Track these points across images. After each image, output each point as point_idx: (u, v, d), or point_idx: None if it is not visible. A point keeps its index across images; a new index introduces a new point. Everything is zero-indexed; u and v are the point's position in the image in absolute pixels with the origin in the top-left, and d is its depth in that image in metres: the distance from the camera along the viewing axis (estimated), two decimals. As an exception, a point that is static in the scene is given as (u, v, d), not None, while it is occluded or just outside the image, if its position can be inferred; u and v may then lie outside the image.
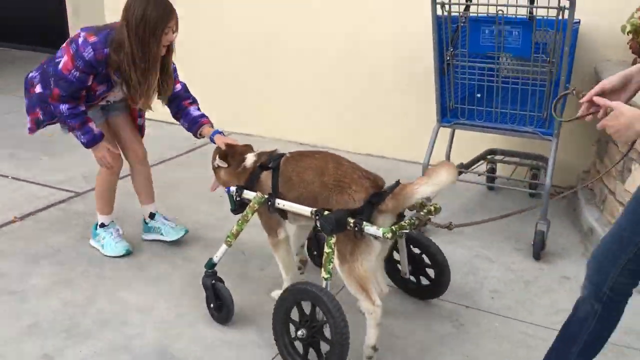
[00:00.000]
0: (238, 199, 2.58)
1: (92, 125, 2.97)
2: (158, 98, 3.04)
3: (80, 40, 2.79)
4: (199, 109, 3.13)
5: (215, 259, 2.66)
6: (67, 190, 4.04)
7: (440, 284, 2.73)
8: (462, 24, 3.22)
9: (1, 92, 6.64)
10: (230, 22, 4.99)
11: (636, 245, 1.77)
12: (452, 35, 3.23)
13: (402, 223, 2.30)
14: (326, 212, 2.29)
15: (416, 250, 2.74)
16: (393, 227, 2.24)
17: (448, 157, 3.79)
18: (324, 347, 2.28)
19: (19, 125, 4.60)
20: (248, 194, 2.56)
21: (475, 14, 3.18)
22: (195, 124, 3.06)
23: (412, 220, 2.32)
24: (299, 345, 2.35)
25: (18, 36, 8.50)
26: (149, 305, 2.83)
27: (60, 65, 2.81)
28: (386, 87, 4.52)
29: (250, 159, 2.68)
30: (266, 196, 2.49)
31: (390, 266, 2.83)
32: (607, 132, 1.72)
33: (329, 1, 4.60)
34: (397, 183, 2.32)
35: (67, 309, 2.79)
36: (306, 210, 2.37)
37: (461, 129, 3.48)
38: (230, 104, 5.06)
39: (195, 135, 3.09)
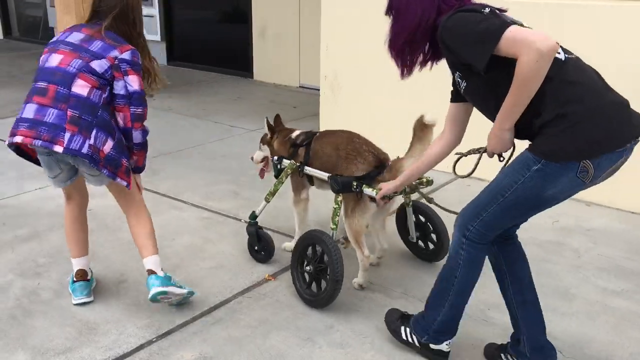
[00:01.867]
0: (279, 166, 3.19)
1: None
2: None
3: (127, 55, 2.55)
4: None
5: (257, 212, 3.28)
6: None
7: (442, 248, 3.18)
8: None
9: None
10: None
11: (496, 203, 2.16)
12: None
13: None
14: (338, 177, 2.86)
15: (422, 219, 3.27)
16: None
17: None
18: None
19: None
20: (285, 162, 3.17)
21: None
22: None
23: (404, 189, 2.86)
24: (307, 277, 2.92)
25: (204, 59, 9.03)
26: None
27: (137, 85, 2.55)
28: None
29: (295, 133, 3.28)
30: (297, 164, 3.10)
31: (404, 235, 3.39)
32: (492, 151, 2.19)
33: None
34: (397, 158, 2.88)
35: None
36: (324, 175, 2.97)
37: None
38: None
39: None
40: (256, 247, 3.32)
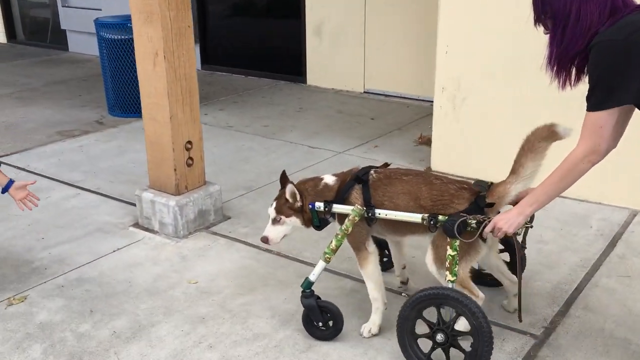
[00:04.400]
0: (327, 213, 2.58)
1: None
2: None
3: None
4: None
5: (313, 278, 2.57)
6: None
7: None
8: None
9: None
10: None
11: None
12: None
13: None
14: (440, 217, 2.36)
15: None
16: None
17: None
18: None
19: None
20: (340, 208, 2.54)
21: None
22: None
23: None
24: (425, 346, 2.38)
25: (246, 62, 7.99)
26: None
27: None
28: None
29: (329, 178, 2.66)
30: (364, 208, 2.49)
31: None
32: (500, 228, 2.20)
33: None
34: (490, 183, 2.42)
35: None
36: (416, 217, 2.41)
37: None
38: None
39: None
40: (320, 324, 2.61)
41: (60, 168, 4.72)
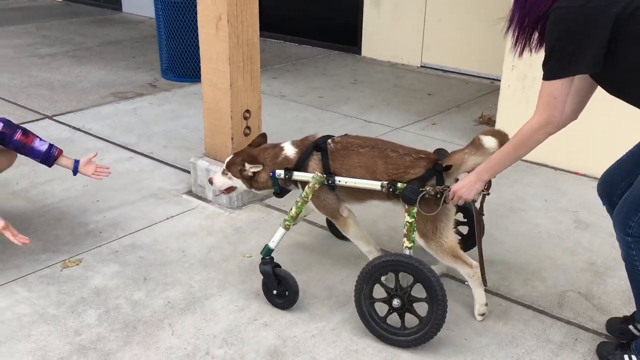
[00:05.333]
0: (288, 181, 2.61)
1: None
2: None
3: None
4: (40, 139, 2.94)
5: (272, 245, 2.59)
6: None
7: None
8: None
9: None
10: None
11: None
12: None
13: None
14: (399, 184, 2.38)
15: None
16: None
17: None
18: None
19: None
20: (301, 175, 2.56)
21: None
22: (49, 158, 2.95)
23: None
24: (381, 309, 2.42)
25: (300, 30, 7.86)
26: None
27: None
28: None
29: (289, 148, 2.67)
30: (324, 175, 2.50)
31: None
32: (460, 195, 2.26)
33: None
34: (443, 151, 2.49)
35: None
36: (375, 184, 2.43)
37: None
38: None
39: (50, 166, 2.98)
40: (275, 291, 2.61)
41: (114, 130, 4.69)
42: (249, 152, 2.73)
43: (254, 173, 2.67)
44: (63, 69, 6.37)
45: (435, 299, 2.25)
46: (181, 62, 5.97)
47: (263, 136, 2.85)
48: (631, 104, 2.03)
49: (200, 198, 3.62)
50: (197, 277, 2.85)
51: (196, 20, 5.94)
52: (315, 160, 2.56)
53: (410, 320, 2.37)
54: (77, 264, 2.92)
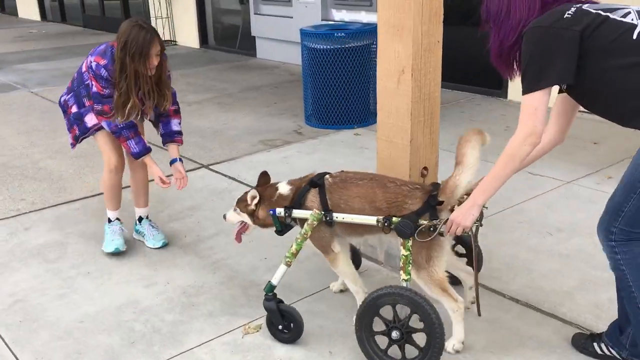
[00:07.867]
0: (288, 219, 2.66)
1: (143, 137, 3.38)
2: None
3: (94, 65, 3.16)
4: (180, 123, 3.48)
5: (275, 281, 2.67)
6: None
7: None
8: None
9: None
10: None
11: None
12: None
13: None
14: (394, 219, 2.42)
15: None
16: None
17: None
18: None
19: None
20: (300, 213, 2.62)
21: None
22: (168, 137, 3.44)
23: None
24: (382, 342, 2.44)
25: (452, 76, 7.41)
26: None
27: (94, 89, 3.20)
28: None
29: (284, 187, 2.78)
30: (322, 212, 2.57)
31: None
32: (459, 224, 2.28)
33: None
34: (437, 184, 2.53)
35: None
36: (371, 220, 2.48)
37: None
38: None
39: (163, 144, 3.49)
40: (280, 326, 2.67)
41: (268, 180, 4.65)
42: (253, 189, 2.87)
43: (256, 206, 2.76)
44: (211, 116, 6.54)
45: (432, 330, 2.28)
46: (326, 109, 5.93)
47: (265, 175, 2.93)
48: (601, 116, 2.16)
49: (369, 258, 3.42)
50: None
51: (343, 69, 6.02)
52: (312, 197, 2.62)
53: (411, 351, 2.40)
54: (257, 331, 2.80)
